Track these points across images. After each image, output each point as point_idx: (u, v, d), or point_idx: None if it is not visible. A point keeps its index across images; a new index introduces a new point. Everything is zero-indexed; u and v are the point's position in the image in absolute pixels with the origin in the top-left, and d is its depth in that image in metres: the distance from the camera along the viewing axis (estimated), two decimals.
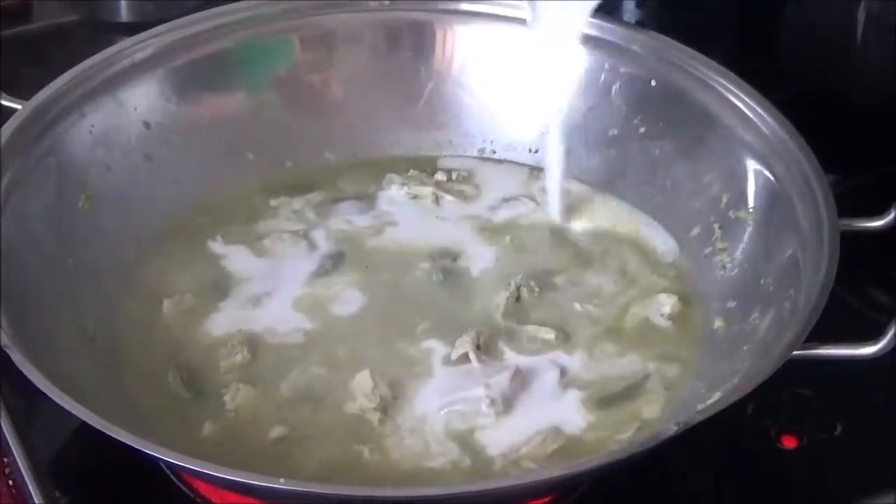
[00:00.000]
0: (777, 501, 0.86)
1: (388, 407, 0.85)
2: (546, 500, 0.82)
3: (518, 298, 0.93)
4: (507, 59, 1.06)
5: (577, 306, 0.93)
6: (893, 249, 0.93)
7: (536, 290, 0.94)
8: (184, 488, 0.83)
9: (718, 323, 0.91)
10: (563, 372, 0.88)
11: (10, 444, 0.82)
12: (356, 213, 1.01)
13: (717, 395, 0.82)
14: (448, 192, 1.03)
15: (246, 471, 0.73)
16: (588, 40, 1.03)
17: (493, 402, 0.85)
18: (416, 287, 0.95)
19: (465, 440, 0.84)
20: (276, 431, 0.84)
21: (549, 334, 0.91)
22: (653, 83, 1.02)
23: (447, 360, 0.88)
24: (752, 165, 0.96)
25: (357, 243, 0.99)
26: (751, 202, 0.95)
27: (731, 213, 0.95)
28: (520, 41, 1.05)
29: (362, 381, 0.86)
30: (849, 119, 1.08)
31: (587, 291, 0.94)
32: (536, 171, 1.05)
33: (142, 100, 1.00)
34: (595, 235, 0.99)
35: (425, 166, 1.05)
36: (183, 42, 1.02)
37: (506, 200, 1.02)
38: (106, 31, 1.22)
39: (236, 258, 0.97)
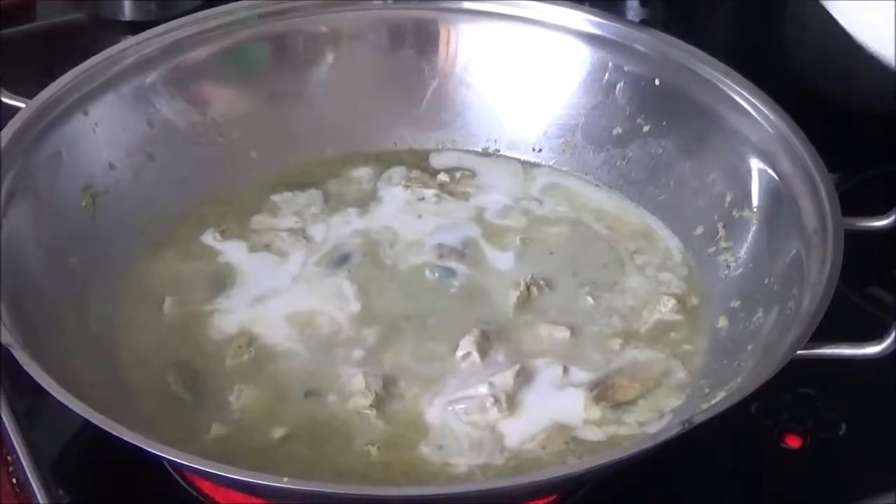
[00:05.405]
0: (781, 501, 0.86)
1: (389, 405, 0.85)
2: (550, 499, 0.82)
3: (527, 296, 0.93)
4: (510, 58, 1.06)
5: (586, 304, 0.93)
6: None
7: (546, 288, 0.94)
8: (188, 488, 0.83)
9: (722, 322, 0.91)
10: (568, 370, 0.88)
11: (14, 442, 0.82)
12: (359, 211, 1.01)
13: (721, 395, 0.82)
14: (451, 191, 1.03)
15: (250, 470, 0.73)
16: (592, 39, 1.03)
17: (497, 401, 0.85)
18: (420, 285, 0.95)
19: (469, 438, 0.84)
20: (281, 431, 0.84)
21: (555, 331, 0.91)
22: (657, 82, 1.02)
23: (452, 359, 0.88)
24: (755, 164, 0.96)
25: (360, 241, 0.98)
26: (755, 201, 0.95)
27: (734, 212, 0.95)
28: (523, 39, 1.05)
29: (358, 380, 0.86)
30: (851, 118, 1.08)
31: (596, 289, 0.94)
32: (540, 169, 1.05)
33: (145, 98, 1.00)
34: (602, 234, 0.99)
35: (428, 164, 1.05)
36: (186, 40, 1.02)
37: (510, 199, 1.02)
38: (109, 30, 1.22)
39: (238, 256, 0.97)
